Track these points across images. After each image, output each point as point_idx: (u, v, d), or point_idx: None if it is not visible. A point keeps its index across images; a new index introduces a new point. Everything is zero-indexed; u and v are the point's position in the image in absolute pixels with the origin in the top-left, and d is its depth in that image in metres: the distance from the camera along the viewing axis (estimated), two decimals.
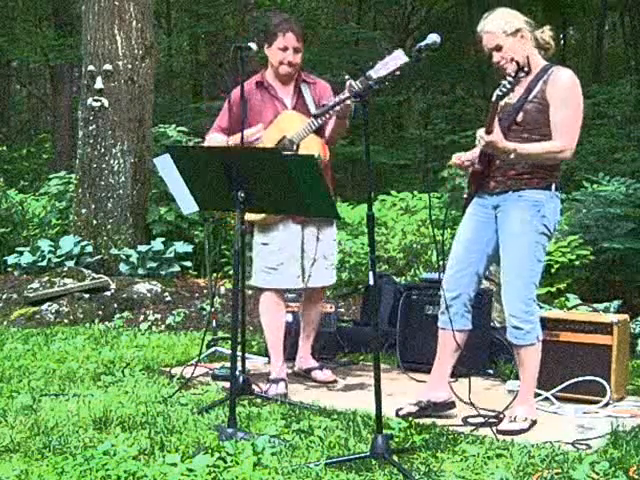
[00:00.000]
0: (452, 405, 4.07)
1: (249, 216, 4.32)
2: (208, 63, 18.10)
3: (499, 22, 3.85)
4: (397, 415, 3.98)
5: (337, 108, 4.06)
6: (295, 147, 4.58)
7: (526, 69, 3.61)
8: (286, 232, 4.62)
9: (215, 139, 4.71)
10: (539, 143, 3.76)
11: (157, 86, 10.31)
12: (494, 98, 3.65)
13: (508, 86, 3.62)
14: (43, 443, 3.48)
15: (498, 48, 3.85)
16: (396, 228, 8.09)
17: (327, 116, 4.46)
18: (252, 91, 4.74)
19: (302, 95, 4.73)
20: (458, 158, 4.01)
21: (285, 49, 4.68)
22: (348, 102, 4.10)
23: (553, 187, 3.84)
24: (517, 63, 3.60)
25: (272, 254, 4.62)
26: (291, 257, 4.64)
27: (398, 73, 4.00)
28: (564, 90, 3.76)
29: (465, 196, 4.08)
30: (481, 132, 3.75)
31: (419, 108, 16.88)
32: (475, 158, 3.95)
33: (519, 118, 3.82)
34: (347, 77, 3.75)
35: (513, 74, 3.60)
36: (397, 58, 3.93)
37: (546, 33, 3.91)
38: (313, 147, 4.57)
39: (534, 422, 3.84)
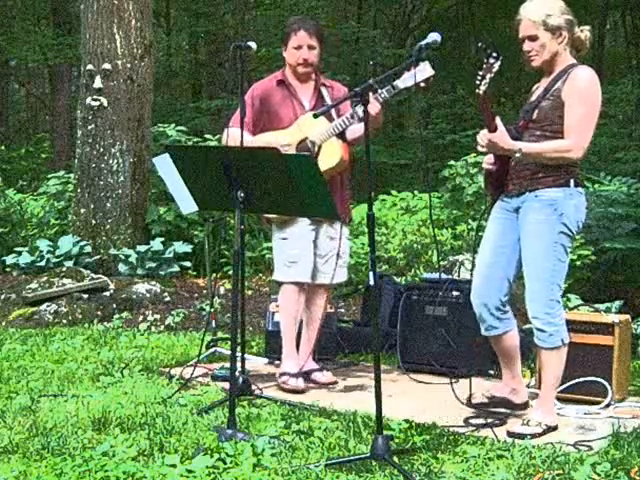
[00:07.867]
0: (525, 406, 4.04)
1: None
2: (207, 62, 18.09)
3: (543, 12, 3.75)
4: (468, 401, 4.01)
5: (373, 117, 4.18)
6: (317, 148, 4.60)
7: (495, 54, 3.56)
8: (302, 227, 4.66)
9: (238, 135, 4.53)
10: (547, 142, 3.72)
11: (156, 85, 10.29)
12: (477, 92, 3.59)
13: (481, 73, 3.57)
14: (42, 444, 3.46)
15: (533, 38, 3.77)
16: (396, 228, 8.07)
17: (350, 120, 4.48)
18: (273, 89, 4.75)
19: (322, 98, 4.74)
20: (487, 163, 3.92)
21: (299, 47, 4.68)
22: (373, 112, 4.20)
23: (572, 183, 3.75)
24: (484, 49, 3.56)
25: (292, 248, 4.66)
26: (306, 251, 4.67)
27: (423, 85, 4.17)
28: (579, 89, 3.71)
29: (489, 198, 4.04)
30: (483, 132, 3.72)
31: (419, 107, 16.84)
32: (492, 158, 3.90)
33: (534, 116, 3.79)
34: (372, 81, 3.66)
35: (485, 60, 3.56)
36: (424, 71, 4.13)
37: (584, 33, 3.84)
38: (335, 149, 4.61)
39: (550, 427, 3.75)
